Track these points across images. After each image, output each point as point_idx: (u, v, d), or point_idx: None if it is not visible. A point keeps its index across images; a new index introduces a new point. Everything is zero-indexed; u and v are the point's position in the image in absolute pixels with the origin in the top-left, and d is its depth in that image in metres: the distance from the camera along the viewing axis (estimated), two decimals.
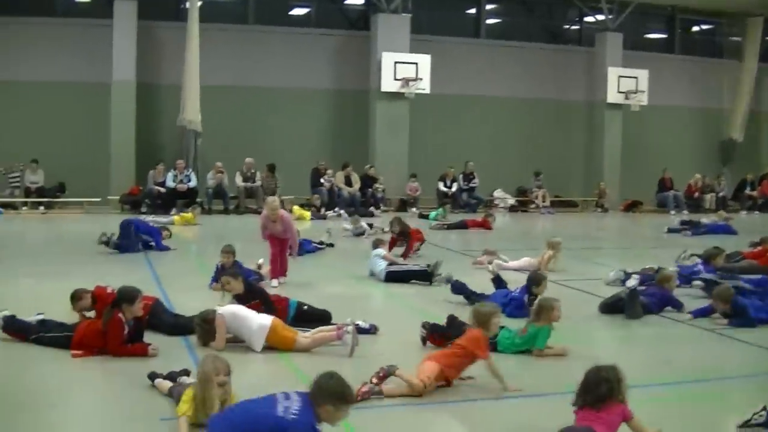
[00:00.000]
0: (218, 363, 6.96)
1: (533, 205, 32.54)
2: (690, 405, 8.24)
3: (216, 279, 12.73)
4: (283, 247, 13.98)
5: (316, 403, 6.01)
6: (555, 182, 33.38)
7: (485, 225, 24.60)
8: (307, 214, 26.69)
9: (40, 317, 9.89)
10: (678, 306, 12.28)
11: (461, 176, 31.14)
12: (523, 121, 34.04)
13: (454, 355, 8.30)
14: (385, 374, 8.01)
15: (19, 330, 9.69)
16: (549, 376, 8.69)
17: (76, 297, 10.38)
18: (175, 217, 24.60)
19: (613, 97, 34.15)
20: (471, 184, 31.20)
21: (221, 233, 20.66)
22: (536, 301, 10.28)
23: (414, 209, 29.71)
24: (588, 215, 32.37)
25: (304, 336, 9.58)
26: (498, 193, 32.56)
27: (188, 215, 24.76)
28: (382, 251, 15.46)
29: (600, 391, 6.50)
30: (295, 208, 26.40)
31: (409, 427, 6.38)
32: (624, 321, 11.65)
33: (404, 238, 17.67)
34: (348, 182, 29.52)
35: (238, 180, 28.50)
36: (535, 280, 11.90)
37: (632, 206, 33.73)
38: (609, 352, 9.75)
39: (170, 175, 27.71)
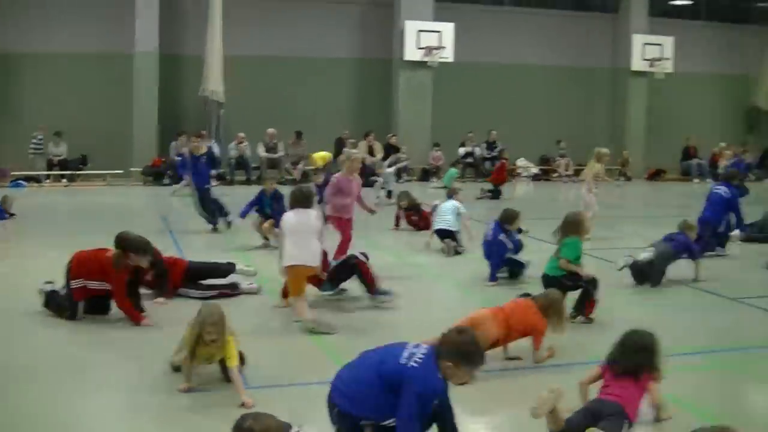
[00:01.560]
0: (214, 317, 7.29)
1: (556, 174, 32.39)
2: (718, 373, 8.50)
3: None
4: (349, 223, 12.98)
5: (439, 356, 5.65)
6: (578, 151, 32.95)
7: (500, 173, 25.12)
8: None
9: (50, 287, 10.04)
10: (694, 254, 12.56)
11: (485, 144, 31.02)
12: (547, 88, 33.78)
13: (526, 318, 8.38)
14: None
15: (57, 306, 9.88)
16: (574, 346, 8.76)
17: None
18: None
19: (637, 64, 33.89)
20: (494, 153, 31.04)
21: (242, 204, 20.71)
22: (564, 217, 10.45)
23: (435, 179, 29.61)
24: (611, 183, 32.14)
25: None
26: (521, 161, 32.45)
27: None
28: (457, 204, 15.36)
29: (638, 359, 6.40)
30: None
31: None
32: (648, 289, 11.88)
33: (416, 213, 17.62)
34: (370, 152, 29.42)
35: (261, 150, 28.50)
36: (508, 218, 12.31)
37: (656, 175, 33.58)
38: (634, 318, 9.85)
39: None
